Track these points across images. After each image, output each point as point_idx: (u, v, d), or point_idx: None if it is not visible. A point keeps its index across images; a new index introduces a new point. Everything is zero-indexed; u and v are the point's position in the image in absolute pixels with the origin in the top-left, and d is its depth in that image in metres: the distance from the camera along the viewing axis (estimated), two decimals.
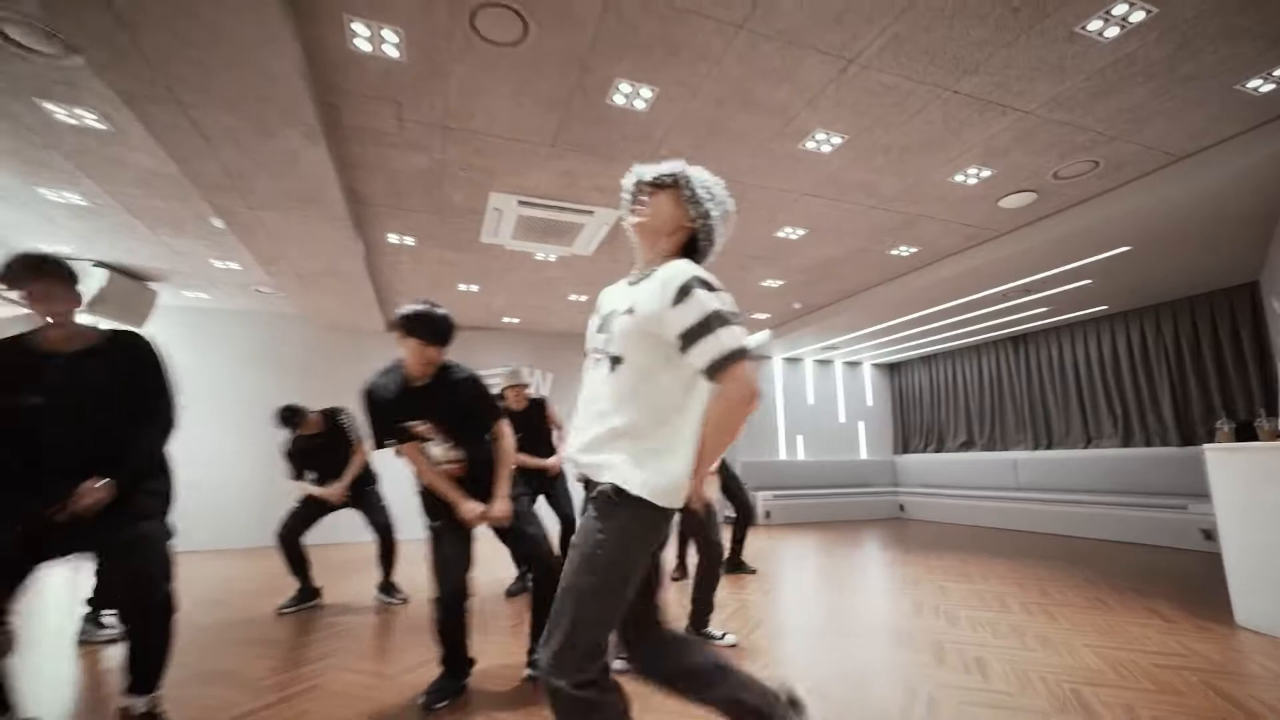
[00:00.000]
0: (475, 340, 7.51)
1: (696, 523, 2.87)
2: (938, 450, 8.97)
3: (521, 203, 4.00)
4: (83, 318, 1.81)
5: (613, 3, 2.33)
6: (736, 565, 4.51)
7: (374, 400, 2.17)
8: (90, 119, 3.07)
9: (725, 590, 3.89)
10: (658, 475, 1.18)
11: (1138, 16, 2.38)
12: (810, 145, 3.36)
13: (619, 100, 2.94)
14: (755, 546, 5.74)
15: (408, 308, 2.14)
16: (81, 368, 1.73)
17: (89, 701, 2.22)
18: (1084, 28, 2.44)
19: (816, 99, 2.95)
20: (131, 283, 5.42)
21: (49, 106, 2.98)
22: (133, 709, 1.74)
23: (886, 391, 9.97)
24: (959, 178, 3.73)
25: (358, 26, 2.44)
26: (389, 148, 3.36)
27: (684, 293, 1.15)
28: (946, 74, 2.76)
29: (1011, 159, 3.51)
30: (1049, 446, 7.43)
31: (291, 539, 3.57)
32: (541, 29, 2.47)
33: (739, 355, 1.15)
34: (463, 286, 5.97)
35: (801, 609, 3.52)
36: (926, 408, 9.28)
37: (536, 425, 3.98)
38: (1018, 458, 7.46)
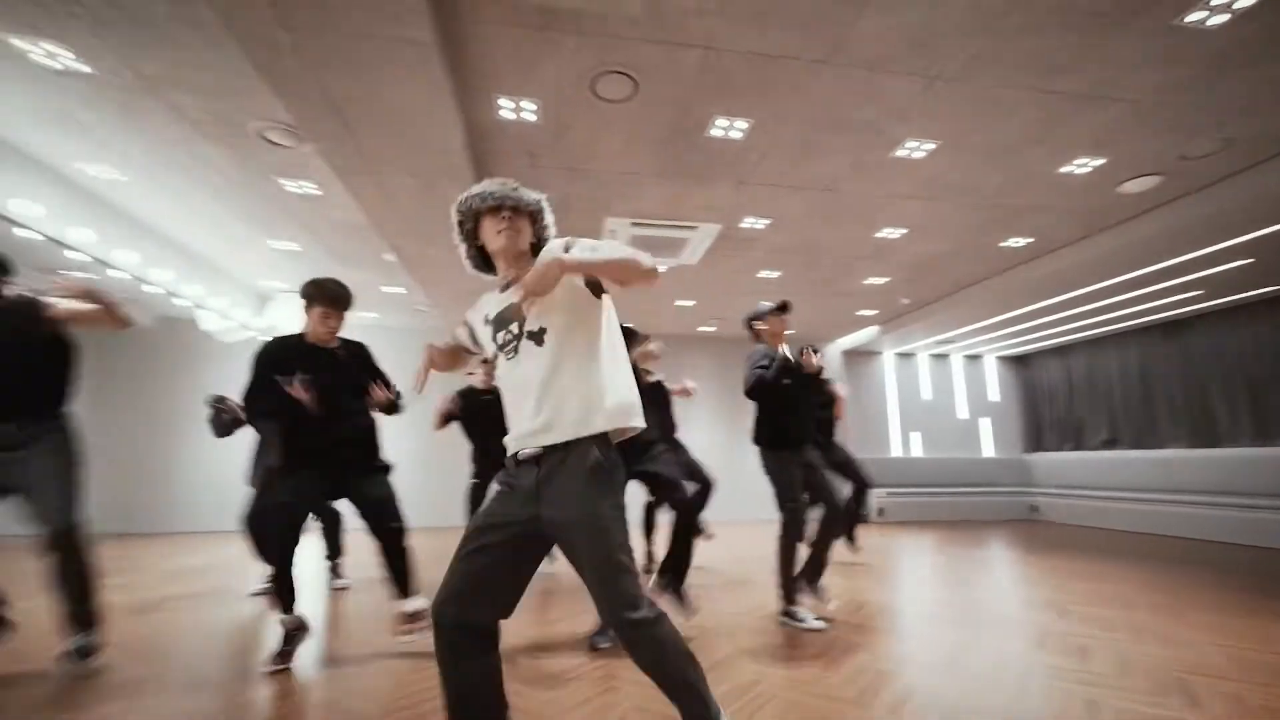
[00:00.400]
0: None
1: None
2: (1075, 448, 8.29)
3: (634, 224, 4.50)
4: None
5: (710, 57, 2.72)
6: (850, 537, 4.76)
7: None
8: (310, 187, 4.01)
9: (830, 576, 4.11)
10: (612, 401, 1.31)
11: (1244, 2, 2.33)
12: (902, 153, 3.51)
13: (717, 133, 3.32)
14: (866, 542, 5.80)
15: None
16: (333, 358, 2.51)
17: (340, 624, 3.02)
18: (1183, 20, 2.43)
19: (905, 113, 3.12)
20: None
21: (282, 181, 3.94)
22: (405, 608, 2.50)
23: (1014, 386, 9.34)
24: (1066, 169, 3.66)
25: (503, 101, 3.05)
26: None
27: (569, 245, 1.29)
28: (1038, 77, 2.82)
29: (1126, 146, 3.41)
30: (1212, 444, 6.65)
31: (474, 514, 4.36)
32: (649, 85, 2.92)
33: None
34: None
35: (906, 596, 3.67)
36: (1061, 402, 8.60)
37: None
38: (1172, 456, 6.76)
